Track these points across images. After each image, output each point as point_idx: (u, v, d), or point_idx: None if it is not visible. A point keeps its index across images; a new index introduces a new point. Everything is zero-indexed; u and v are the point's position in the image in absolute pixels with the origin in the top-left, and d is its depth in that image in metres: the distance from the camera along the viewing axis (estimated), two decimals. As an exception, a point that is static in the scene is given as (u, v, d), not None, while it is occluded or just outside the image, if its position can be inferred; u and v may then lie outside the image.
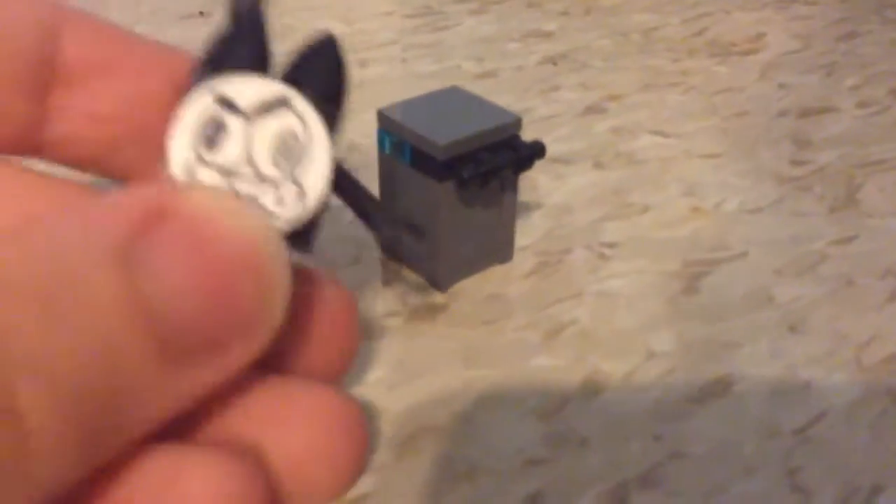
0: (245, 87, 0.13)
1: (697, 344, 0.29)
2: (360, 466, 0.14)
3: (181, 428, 0.13)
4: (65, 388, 0.09)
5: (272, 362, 0.14)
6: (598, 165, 0.40)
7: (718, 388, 0.28)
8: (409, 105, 0.30)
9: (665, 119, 0.44)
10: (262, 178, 0.13)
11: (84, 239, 0.10)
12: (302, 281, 0.14)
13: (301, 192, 0.13)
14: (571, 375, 0.28)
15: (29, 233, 0.10)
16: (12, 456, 0.09)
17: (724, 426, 0.26)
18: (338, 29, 0.53)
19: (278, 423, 0.13)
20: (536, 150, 0.30)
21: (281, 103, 0.13)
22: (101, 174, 0.15)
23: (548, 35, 0.54)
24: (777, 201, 0.38)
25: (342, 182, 0.14)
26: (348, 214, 0.15)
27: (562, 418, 0.26)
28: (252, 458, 0.12)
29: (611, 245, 0.34)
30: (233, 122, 0.13)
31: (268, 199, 0.13)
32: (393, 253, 0.33)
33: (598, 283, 0.32)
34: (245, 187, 0.13)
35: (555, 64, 0.50)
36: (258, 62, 0.13)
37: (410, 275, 0.32)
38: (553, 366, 0.28)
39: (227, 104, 0.13)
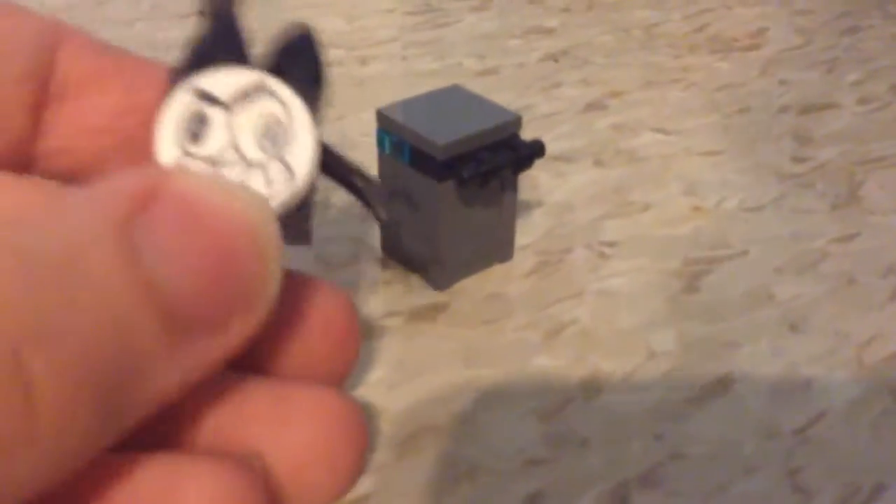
0: (222, 79, 0.13)
1: (698, 343, 0.29)
2: (360, 468, 0.14)
3: (181, 434, 0.13)
4: (73, 359, 0.10)
5: (272, 368, 0.15)
6: (598, 163, 0.40)
7: (719, 388, 0.28)
8: (408, 105, 0.30)
9: (666, 116, 0.44)
10: (249, 163, 0.13)
11: (88, 217, 0.11)
12: (300, 286, 0.14)
13: (289, 173, 0.13)
14: (572, 375, 0.28)
15: (39, 214, 0.11)
16: (23, 426, 0.09)
17: (725, 426, 0.26)
18: (339, 26, 0.53)
19: (278, 424, 0.13)
20: (536, 150, 0.30)
21: (259, 89, 0.13)
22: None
23: (549, 31, 0.54)
24: (778, 199, 0.38)
25: (330, 161, 0.14)
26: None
27: (562, 418, 0.26)
28: (251, 465, 0.12)
29: (611, 244, 0.34)
30: (214, 114, 0.13)
31: (257, 182, 0.13)
32: (393, 252, 0.33)
33: (598, 283, 0.32)
34: (234, 174, 0.13)
35: (556, 61, 0.50)
36: (236, 60, 0.14)
37: (410, 274, 0.32)
38: (553, 365, 0.28)
39: (207, 97, 0.13)
